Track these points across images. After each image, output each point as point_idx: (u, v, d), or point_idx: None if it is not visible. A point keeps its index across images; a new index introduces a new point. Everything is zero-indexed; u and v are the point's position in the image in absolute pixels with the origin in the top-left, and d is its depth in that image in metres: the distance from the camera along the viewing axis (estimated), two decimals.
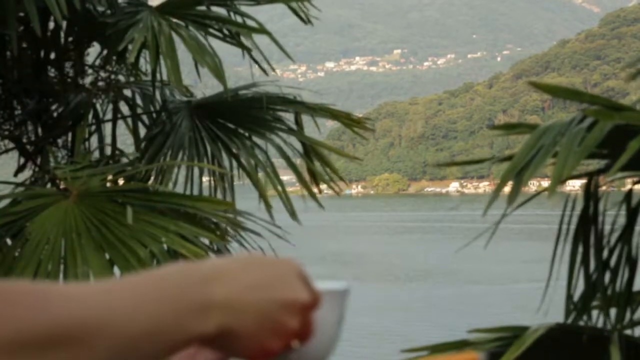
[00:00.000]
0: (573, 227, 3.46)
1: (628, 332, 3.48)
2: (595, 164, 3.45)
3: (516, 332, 3.36)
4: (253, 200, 4.80)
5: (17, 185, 4.45)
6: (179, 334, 0.96)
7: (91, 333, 0.90)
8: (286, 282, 1.04)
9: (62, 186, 4.31)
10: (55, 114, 4.94)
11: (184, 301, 0.96)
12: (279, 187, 4.83)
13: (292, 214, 4.74)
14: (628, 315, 3.44)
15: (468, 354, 1.01)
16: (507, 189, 3.01)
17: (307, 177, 4.97)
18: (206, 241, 4.14)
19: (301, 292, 1.04)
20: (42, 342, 0.89)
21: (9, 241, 3.95)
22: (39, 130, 4.88)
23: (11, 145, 4.89)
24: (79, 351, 0.89)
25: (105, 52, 4.99)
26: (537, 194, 3.37)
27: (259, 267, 1.04)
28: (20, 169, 4.80)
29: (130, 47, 4.51)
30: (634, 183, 3.50)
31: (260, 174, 4.88)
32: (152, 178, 4.81)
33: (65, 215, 3.94)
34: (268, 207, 4.72)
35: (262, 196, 4.79)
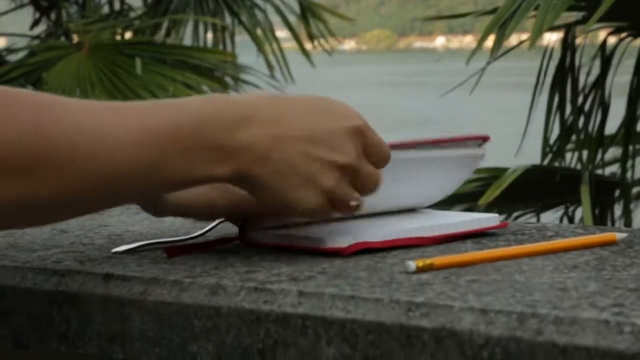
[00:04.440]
0: (550, 78, 3.46)
1: (599, 172, 3.51)
2: (572, 16, 3.43)
3: (495, 173, 3.39)
4: (253, 56, 4.80)
5: (33, 38, 4.44)
6: (184, 174, 0.87)
7: (82, 156, 0.83)
8: (330, 140, 0.91)
9: (74, 39, 4.29)
10: None
11: (200, 143, 0.87)
12: (276, 43, 4.83)
13: (286, 69, 4.74)
14: (599, 156, 3.47)
15: (607, 235, 0.99)
16: (490, 43, 2.99)
17: (303, 35, 4.97)
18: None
19: (346, 152, 0.91)
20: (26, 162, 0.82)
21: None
22: None
23: (26, 0, 4.84)
24: (55, 175, 0.83)
25: None
26: (519, 44, 3.35)
27: (302, 116, 0.91)
28: (35, 23, 4.76)
29: None
30: (608, 34, 3.48)
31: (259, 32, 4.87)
32: (162, 32, 4.78)
33: (79, 67, 3.97)
34: (268, 64, 4.71)
35: (261, 50, 4.78)
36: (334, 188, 0.91)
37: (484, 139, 1.07)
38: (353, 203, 0.92)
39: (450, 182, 1.09)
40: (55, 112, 0.84)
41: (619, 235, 0.99)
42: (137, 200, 0.95)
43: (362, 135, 0.92)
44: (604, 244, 0.98)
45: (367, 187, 0.94)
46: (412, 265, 0.88)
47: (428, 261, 0.89)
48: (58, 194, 0.84)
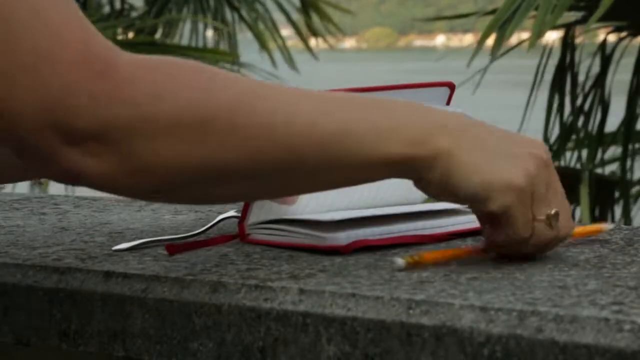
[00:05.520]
0: (550, 76, 3.46)
1: (599, 171, 3.51)
2: (571, 16, 3.43)
3: None
4: (254, 53, 4.80)
5: None
6: (373, 149, 0.84)
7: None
8: (519, 139, 0.88)
9: None
10: None
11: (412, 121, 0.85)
12: (279, 39, 4.82)
13: (290, 63, 4.73)
14: (599, 155, 3.47)
15: (597, 225, 1.00)
16: (490, 41, 2.99)
17: (304, 31, 4.96)
18: None
19: (539, 148, 0.88)
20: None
21: None
22: None
23: None
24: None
25: None
26: (519, 44, 3.35)
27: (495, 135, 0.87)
28: None
29: None
30: (607, 33, 3.48)
31: (261, 28, 4.87)
32: (160, 31, 4.78)
33: None
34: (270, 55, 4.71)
35: (263, 46, 4.78)
36: (535, 173, 0.86)
37: (450, 87, 1.06)
38: (552, 212, 0.88)
39: None
40: (230, 80, 0.83)
41: (606, 226, 1.00)
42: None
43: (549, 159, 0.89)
44: (592, 234, 0.98)
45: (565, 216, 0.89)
46: (401, 262, 0.88)
47: (417, 257, 0.89)
48: (237, 162, 0.82)
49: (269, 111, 0.82)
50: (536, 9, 2.82)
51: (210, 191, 0.85)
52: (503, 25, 2.89)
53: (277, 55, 4.79)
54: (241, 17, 4.87)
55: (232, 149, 0.81)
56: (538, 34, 2.72)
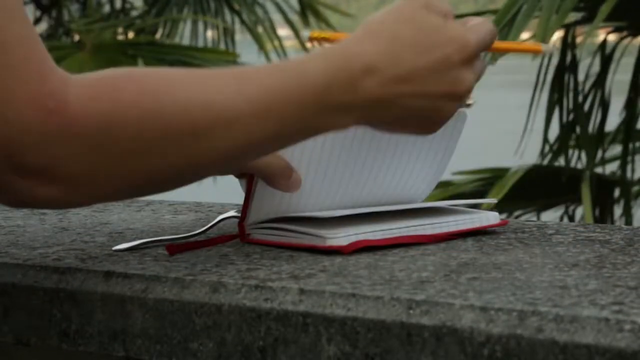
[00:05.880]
0: (550, 76, 3.46)
1: (599, 170, 3.51)
2: (572, 16, 3.43)
3: (496, 174, 3.40)
4: (253, 54, 4.81)
5: None
6: (305, 135, 0.90)
7: (216, 124, 0.84)
8: (446, 73, 0.91)
9: (76, 38, 4.30)
10: None
11: (325, 106, 0.88)
12: (276, 42, 4.84)
13: None
14: (599, 155, 3.47)
15: (533, 45, 1.00)
16: None
17: (303, 33, 4.98)
18: None
19: (465, 80, 0.92)
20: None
21: None
22: None
23: None
24: (197, 143, 0.84)
25: None
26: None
27: (418, 52, 0.90)
28: (36, 21, 4.76)
29: None
30: (607, 33, 3.48)
31: (260, 30, 4.88)
32: (160, 31, 4.78)
33: (82, 67, 3.97)
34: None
35: (262, 48, 4.79)
36: (454, 110, 0.93)
37: None
38: (472, 101, 0.96)
39: (441, 142, 1.07)
40: (175, 89, 0.84)
41: (545, 46, 1.01)
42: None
43: (475, 57, 0.93)
44: (527, 52, 1.02)
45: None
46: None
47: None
48: (180, 170, 0.86)
49: (223, 129, 0.85)
50: (540, 10, 2.82)
51: (170, 187, 0.89)
52: (504, 27, 2.89)
53: (275, 56, 4.80)
54: (241, 20, 4.88)
55: (189, 160, 0.85)
56: (542, 39, 2.72)
